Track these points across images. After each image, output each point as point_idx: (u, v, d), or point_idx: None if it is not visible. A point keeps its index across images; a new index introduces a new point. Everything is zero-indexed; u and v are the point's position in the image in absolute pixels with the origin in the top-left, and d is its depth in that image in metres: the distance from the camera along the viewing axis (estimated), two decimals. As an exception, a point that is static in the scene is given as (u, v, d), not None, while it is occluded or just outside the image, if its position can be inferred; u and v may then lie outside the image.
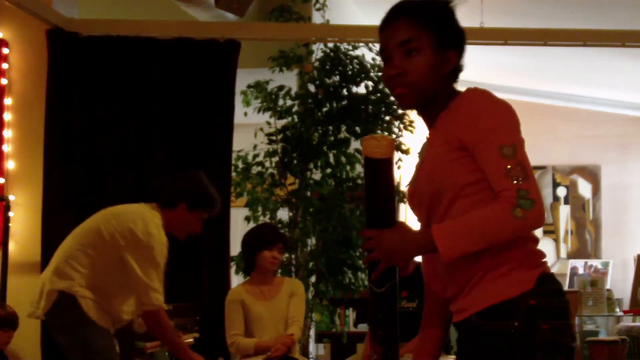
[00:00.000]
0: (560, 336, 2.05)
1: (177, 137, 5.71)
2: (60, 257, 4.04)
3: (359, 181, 6.41)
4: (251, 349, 4.56)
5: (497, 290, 2.06)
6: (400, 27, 2.14)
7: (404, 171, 6.91)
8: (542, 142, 10.06)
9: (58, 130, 5.60)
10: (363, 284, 6.40)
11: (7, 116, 5.60)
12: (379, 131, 6.40)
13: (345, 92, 6.40)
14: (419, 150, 2.27)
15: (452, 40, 2.15)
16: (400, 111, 6.52)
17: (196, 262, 5.58)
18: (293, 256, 6.29)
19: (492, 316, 2.06)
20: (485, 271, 2.07)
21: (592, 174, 10.51)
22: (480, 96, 2.10)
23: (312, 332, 6.74)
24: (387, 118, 6.49)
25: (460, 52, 2.18)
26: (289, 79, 6.49)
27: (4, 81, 5.59)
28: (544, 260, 2.12)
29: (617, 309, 8.67)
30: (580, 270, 10.15)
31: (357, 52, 6.57)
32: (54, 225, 5.45)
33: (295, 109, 6.42)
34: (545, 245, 10.27)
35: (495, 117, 2.06)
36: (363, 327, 7.73)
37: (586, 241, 10.48)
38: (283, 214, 6.50)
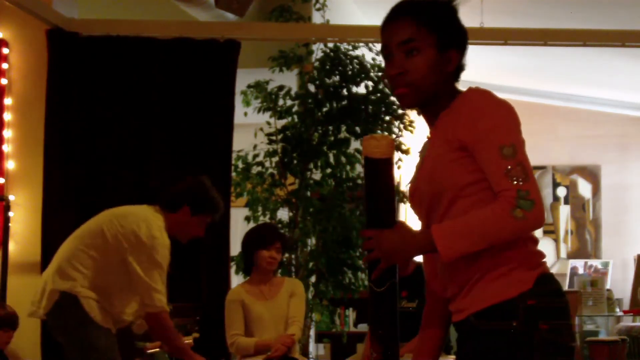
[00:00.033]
0: (560, 336, 2.05)
1: (177, 137, 5.71)
2: (63, 257, 4.04)
3: (359, 181, 6.41)
4: (251, 348, 4.55)
5: (496, 291, 2.06)
6: (402, 27, 2.14)
7: (404, 171, 6.91)
8: (542, 142, 10.06)
9: (58, 130, 5.60)
10: (363, 284, 6.40)
11: (7, 116, 5.60)
12: (379, 131, 6.39)
13: (345, 92, 6.40)
14: (420, 149, 2.27)
15: (454, 40, 2.15)
16: (400, 111, 6.52)
17: (196, 262, 5.58)
18: (293, 256, 6.29)
19: (490, 316, 2.06)
20: (485, 271, 2.07)
21: (592, 174, 10.51)
22: (481, 96, 2.09)
23: (312, 332, 6.74)
24: (387, 118, 6.49)
25: (461, 52, 2.17)
26: (289, 79, 6.49)
27: (4, 81, 5.59)
28: (544, 260, 2.12)
29: (617, 309, 8.67)
30: (580, 270, 10.15)
31: (357, 52, 6.57)
32: (54, 225, 5.45)
33: (295, 109, 6.42)
34: (545, 245, 10.28)
35: (496, 117, 2.05)
36: (363, 327, 7.73)
37: (586, 241, 10.48)
38: (283, 214, 6.50)
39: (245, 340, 4.58)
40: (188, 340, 4.85)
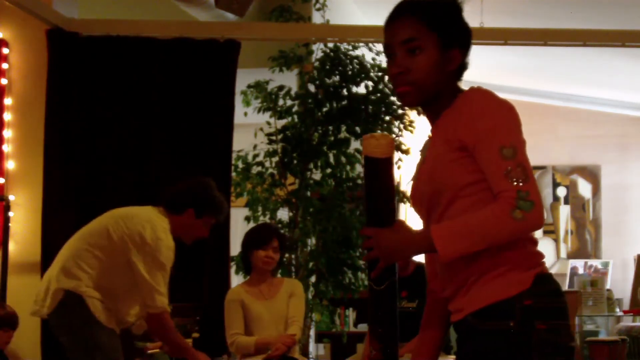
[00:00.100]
0: (558, 336, 2.05)
1: (177, 137, 5.71)
2: (68, 256, 4.04)
3: (359, 181, 6.41)
4: (251, 347, 4.55)
5: (494, 291, 2.06)
6: (404, 26, 2.13)
7: (404, 171, 6.91)
8: (542, 142, 10.06)
9: (58, 130, 5.60)
10: (363, 284, 6.40)
11: (7, 116, 5.61)
12: (378, 131, 6.39)
13: (345, 92, 6.40)
14: (421, 147, 2.27)
15: (456, 39, 2.15)
16: (400, 111, 6.52)
17: (196, 262, 5.58)
18: (293, 256, 6.29)
19: (488, 316, 2.06)
20: (483, 271, 2.07)
21: (592, 174, 10.51)
22: (482, 96, 2.09)
23: (312, 332, 6.74)
24: (387, 118, 6.49)
25: (464, 51, 2.17)
26: (289, 79, 6.49)
27: (4, 81, 5.59)
28: (542, 261, 2.12)
29: (617, 309, 8.67)
30: (580, 270, 10.15)
31: (357, 52, 6.57)
32: (54, 225, 5.45)
33: (295, 109, 6.42)
34: (545, 245, 10.28)
35: (496, 117, 2.05)
36: (363, 327, 7.73)
37: (586, 241, 10.48)
38: (283, 214, 6.50)
39: (245, 339, 4.58)
40: (187, 340, 4.85)
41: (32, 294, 5.26)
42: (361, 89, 6.50)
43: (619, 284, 9.82)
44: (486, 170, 2.04)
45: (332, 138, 6.39)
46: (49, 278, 4.05)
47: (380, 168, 2.10)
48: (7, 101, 5.61)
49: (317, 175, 6.44)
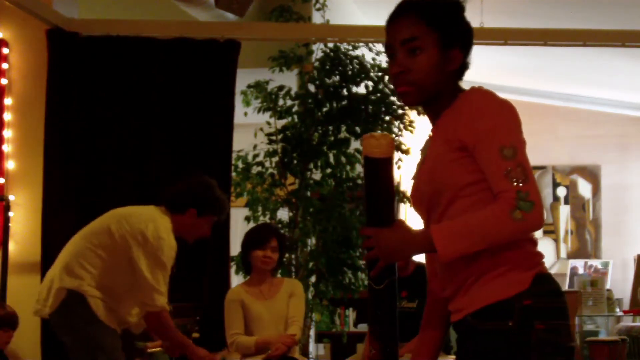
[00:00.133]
0: (557, 336, 2.05)
1: (177, 137, 5.72)
2: (70, 255, 4.04)
3: (359, 181, 6.41)
4: (252, 346, 4.55)
5: (493, 291, 2.06)
6: (405, 25, 2.13)
7: (404, 171, 6.91)
8: (542, 142, 10.06)
9: (58, 130, 5.60)
10: (363, 284, 6.39)
11: (7, 116, 5.61)
12: (379, 131, 6.39)
13: (345, 92, 6.40)
14: (422, 146, 2.27)
15: (457, 39, 2.15)
16: (400, 111, 6.52)
17: (196, 262, 5.58)
18: (293, 256, 6.29)
19: (487, 316, 2.06)
20: (483, 272, 2.07)
21: (592, 174, 10.51)
22: (483, 96, 2.09)
23: (312, 332, 6.74)
24: (387, 118, 6.49)
25: (466, 51, 2.17)
26: (289, 79, 6.49)
27: (4, 81, 5.59)
28: (542, 261, 2.12)
29: (617, 309, 8.67)
30: (580, 270, 10.15)
31: (357, 52, 6.57)
32: (54, 225, 5.45)
33: (295, 109, 6.42)
34: (545, 245, 10.28)
35: (496, 117, 2.05)
36: (363, 327, 7.73)
37: (586, 241, 10.48)
38: (283, 214, 6.50)
39: (245, 339, 4.58)
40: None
41: (32, 294, 5.27)
42: (361, 89, 6.50)
43: (619, 284, 9.82)
44: (486, 170, 2.04)
45: (332, 138, 6.39)
46: (51, 277, 4.05)
47: (380, 168, 2.10)
48: (7, 101, 5.61)
49: (317, 175, 6.44)
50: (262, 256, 4.63)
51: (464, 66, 2.18)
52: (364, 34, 6.28)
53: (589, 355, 7.49)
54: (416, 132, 6.73)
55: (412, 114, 6.72)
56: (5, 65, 5.60)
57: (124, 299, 4.05)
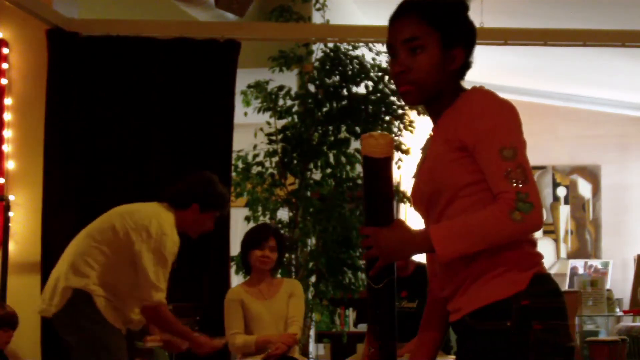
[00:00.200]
0: (556, 336, 2.05)
1: (177, 137, 5.72)
2: (75, 253, 4.04)
3: (359, 181, 6.41)
4: (252, 346, 4.55)
5: (491, 291, 2.06)
6: (406, 25, 2.14)
7: (404, 171, 6.91)
8: (542, 142, 10.06)
9: (58, 130, 5.60)
10: (363, 284, 6.39)
11: (7, 116, 5.61)
12: (378, 130, 6.38)
13: (345, 92, 6.40)
14: (422, 145, 2.27)
15: (459, 38, 2.14)
16: (400, 111, 6.52)
17: (196, 262, 5.58)
18: (293, 256, 6.29)
19: (485, 316, 2.06)
20: (481, 272, 2.07)
21: (592, 174, 10.51)
22: (483, 96, 2.09)
23: (312, 332, 6.74)
24: (387, 118, 6.49)
25: (468, 50, 2.17)
26: (289, 79, 6.49)
27: (4, 81, 5.59)
28: (541, 261, 2.11)
29: (617, 309, 8.67)
30: (580, 270, 10.15)
31: (357, 52, 6.57)
32: (54, 225, 5.45)
33: (295, 109, 6.42)
34: (545, 245, 10.28)
35: (497, 118, 2.05)
36: (363, 327, 7.73)
37: (586, 241, 10.48)
38: (283, 214, 6.50)
39: (245, 338, 4.58)
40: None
41: (32, 294, 5.28)
42: (361, 89, 6.50)
43: (619, 284, 9.82)
44: (486, 170, 2.04)
45: (332, 138, 6.39)
46: (57, 276, 4.04)
47: (379, 168, 2.10)
48: (7, 101, 5.61)
49: (317, 175, 6.44)
50: (261, 256, 4.63)
51: (465, 65, 2.18)
52: (364, 34, 6.28)
53: (589, 355, 7.49)
54: (416, 132, 6.73)
55: (412, 114, 6.72)
56: (5, 65, 5.60)
57: (128, 297, 4.05)
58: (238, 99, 5.98)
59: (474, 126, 2.04)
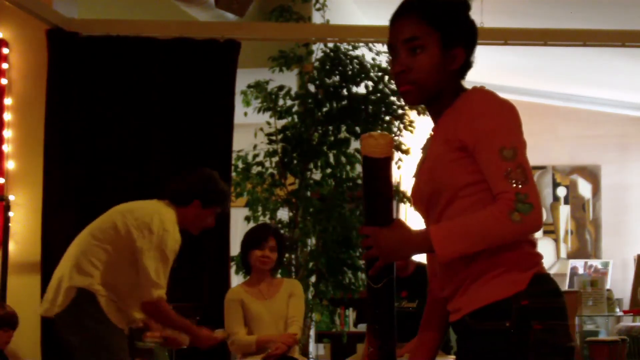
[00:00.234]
0: (555, 336, 2.04)
1: (177, 137, 5.72)
2: (78, 253, 4.04)
3: (359, 181, 6.41)
4: (252, 345, 4.55)
5: (490, 291, 2.06)
6: (406, 25, 2.13)
7: (404, 171, 6.91)
8: (542, 142, 10.06)
9: (58, 130, 5.60)
10: (363, 284, 6.39)
11: (7, 116, 5.61)
12: (378, 130, 6.38)
13: (345, 92, 6.40)
14: (423, 144, 2.26)
15: (459, 38, 2.14)
16: (400, 111, 6.52)
17: (196, 262, 5.58)
18: (293, 256, 6.29)
19: (484, 316, 2.06)
20: (480, 272, 2.07)
21: (592, 174, 10.51)
22: (483, 96, 2.09)
23: (312, 332, 6.74)
24: (387, 118, 6.49)
25: (468, 49, 2.16)
26: (289, 79, 6.49)
27: (4, 81, 5.59)
28: (540, 261, 2.11)
29: (617, 309, 8.67)
30: (580, 270, 10.15)
31: (357, 52, 6.57)
32: (54, 225, 5.45)
33: (295, 109, 6.42)
34: (545, 245, 10.28)
35: (497, 118, 2.05)
36: (363, 327, 7.73)
37: (586, 241, 10.48)
38: (283, 214, 6.50)
39: (246, 338, 4.58)
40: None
41: (32, 294, 5.28)
42: (361, 89, 6.50)
43: (619, 284, 9.82)
44: (486, 170, 2.04)
45: (332, 138, 6.39)
46: (60, 276, 4.04)
47: (378, 168, 2.10)
48: (7, 101, 5.61)
49: (317, 175, 6.44)
50: (261, 256, 4.63)
51: (466, 65, 2.18)
52: (364, 34, 6.28)
53: (589, 355, 7.49)
54: (416, 132, 6.73)
55: (412, 114, 6.72)
56: (5, 65, 5.60)
57: (129, 297, 4.05)
58: (238, 99, 5.98)
59: (474, 126, 2.04)
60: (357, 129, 6.35)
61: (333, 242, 6.25)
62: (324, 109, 6.39)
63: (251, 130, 6.34)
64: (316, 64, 6.47)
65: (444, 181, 2.08)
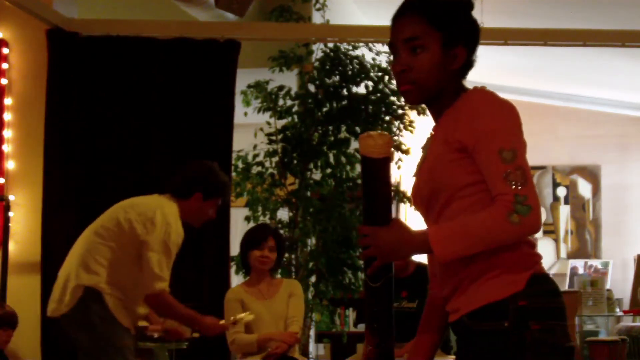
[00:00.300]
0: (553, 336, 2.04)
1: (177, 137, 5.72)
2: (84, 251, 4.04)
3: (359, 181, 6.40)
4: (253, 344, 4.55)
5: (489, 292, 2.06)
6: (407, 24, 2.13)
7: (404, 171, 6.90)
8: (542, 142, 10.06)
9: (58, 130, 5.60)
10: (363, 284, 6.38)
11: (7, 116, 5.61)
12: (378, 130, 6.37)
13: (345, 92, 6.40)
14: (423, 143, 2.26)
15: (460, 37, 2.13)
16: (400, 111, 6.52)
17: (196, 262, 5.58)
18: (293, 256, 6.29)
19: (483, 317, 2.06)
20: (479, 273, 2.07)
21: (592, 174, 10.51)
22: (483, 97, 2.09)
23: (312, 332, 6.74)
24: (387, 118, 6.49)
25: (470, 49, 2.16)
26: (289, 79, 6.49)
27: (4, 81, 5.60)
28: (539, 262, 2.11)
29: (617, 309, 8.67)
30: (580, 270, 10.15)
31: (357, 52, 6.57)
32: (54, 225, 5.45)
33: (295, 109, 6.42)
34: (545, 245, 10.28)
35: (497, 119, 2.05)
36: (363, 327, 7.67)
37: (586, 241, 10.48)
38: (283, 214, 6.50)
39: (246, 337, 4.58)
40: (186, 341, 4.86)
41: (32, 294, 5.29)
42: (361, 89, 6.50)
43: (619, 284, 9.82)
44: (485, 172, 2.04)
45: (332, 138, 6.39)
46: (66, 275, 4.04)
47: (377, 168, 2.10)
48: (7, 101, 5.61)
49: (317, 175, 6.44)
50: (260, 256, 4.64)
51: (468, 64, 2.17)
52: (364, 34, 6.28)
53: (589, 355, 7.49)
54: (416, 132, 6.73)
55: (412, 114, 6.72)
56: (5, 65, 5.60)
57: (134, 294, 4.05)
58: (238, 99, 5.98)
59: (474, 127, 2.04)
60: (357, 129, 6.35)
61: (333, 242, 6.25)
62: (324, 109, 6.39)
63: (251, 130, 6.34)
64: (316, 64, 6.47)
65: (444, 181, 2.08)
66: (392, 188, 2.19)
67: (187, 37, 5.81)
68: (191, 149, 5.70)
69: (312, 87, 6.44)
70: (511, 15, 7.54)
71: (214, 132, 5.76)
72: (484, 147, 2.02)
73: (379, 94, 6.42)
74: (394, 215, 2.14)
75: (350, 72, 6.41)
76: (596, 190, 10.49)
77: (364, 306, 2.19)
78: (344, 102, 6.38)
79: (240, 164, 6.40)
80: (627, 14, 7.07)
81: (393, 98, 6.43)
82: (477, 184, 2.06)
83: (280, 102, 6.40)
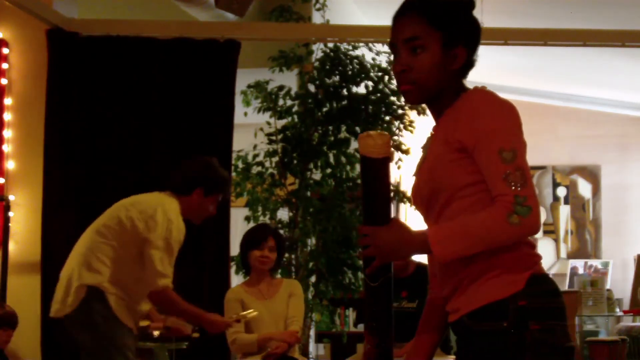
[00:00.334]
0: (553, 336, 2.04)
1: (177, 137, 5.72)
2: (86, 251, 4.04)
3: (359, 181, 6.39)
4: (254, 344, 4.55)
5: (488, 292, 2.06)
6: (407, 24, 2.13)
7: (404, 171, 6.91)
8: (542, 142, 10.06)
9: (58, 130, 5.60)
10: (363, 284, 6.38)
11: (7, 116, 5.61)
12: (378, 130, 6.37)
13: (345, 92, 6.40)
14: (423, 143, 2.26)
15: (461, 37, 2.13)
16: (400, 111, 6.52)
17: (196, 262, 5.58)
18: (293, 256, 6.29)
19: (482, 317, 2.06)
20: (478, 273, 2.07)
21: (592, 174, 10.51)
22: (483, 97, 2.08)
23: (312, 332, 6.74)
24: (387, 118, 6.49)
25: (470, 49, 2.15)
26: (289, 79, 6.49)
27: (4, 81, 5.60)
28: (539, 262, 2.11)
29: (617, 309, 8.67)
30: (580, 270, 10.15)
31: (357, 52, 6.57)
32: (54, 225, 5.46)
33: (295, 109, 6.42)
34: (545, 245, 10.28)
35: (497, 119, 2.04)
36: (363, 327, 7.71)
37: (586, 241, 10.48)
38: (283, 214, 6.50)
39: (247, 337, 4.58)
40: (186, 341, 4.86)
41: (32, 294, 5.29)
42: (361, 89, 6.50)
43: (619, 284, 9.82)
44: (485, 172, 2.04)
45: (332, 138, 6.39)
46: (69, 275, 4.03)
47: (377, 168, 2.09)
48: (7, 101, 5.61)
49: (317, 175, 6.44)
50: (260, 256, 4.64)
51: (468, 64, 2.17)
52: (364, 34, 6.28)
53: (589, 355, 7.49)
54: (416, 132, 6.72)
55: (412, 114, 6.72)
56: (5, 65, 5.60)
57: (136, 293, 4.05)
58: (238, 99, 5.98)
59: (474, 127, 2.04)
60: (357, 129, 6.35)
61: (333, 242, 6.25)
62: (324, 109, 6.39)
63: (251, 130, 6.34)
64: (316, 64, 6.47)
65: (444, 181, 2.08)
66: (392, 188, 2.18)
67: (187, 37, 5.81)
68: (191, 149, 5.69)
69: (312, 87, 6.44)
70: (511, 15, 7.54)
71: (214, 132, 5.76)
72: (484, 147, 2.02)
73: (379, 94, 6.42)
74: (393, 215, 2.14)
75: (350, 72, 6.41)
76: (596, 190, 10.49)
77: (363, 306, 2.19)
78: (344, 102, 6.38)
79: (240, 164, 6.40)
80: (627, 14, 7.07)
81: (393, 98, 6.43)
82: (477, 184, 2.06)
83: (280, 102, 6.40)
